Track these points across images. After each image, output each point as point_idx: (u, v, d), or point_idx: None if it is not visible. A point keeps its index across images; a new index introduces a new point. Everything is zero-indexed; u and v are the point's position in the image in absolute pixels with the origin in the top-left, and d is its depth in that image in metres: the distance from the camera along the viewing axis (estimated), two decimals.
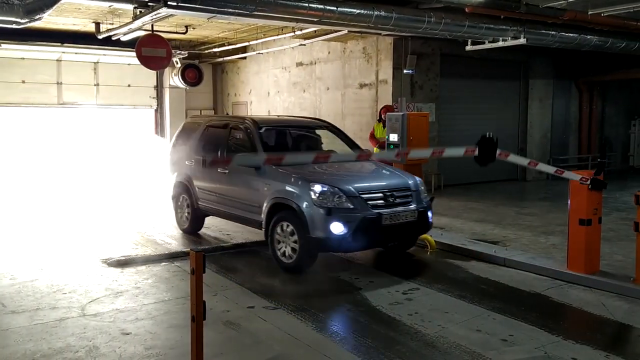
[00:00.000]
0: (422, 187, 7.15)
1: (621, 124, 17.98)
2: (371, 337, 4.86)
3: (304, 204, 6.40)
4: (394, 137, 9.87)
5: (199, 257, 3.33)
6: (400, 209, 6.63)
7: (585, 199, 6.16)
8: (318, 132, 8.68)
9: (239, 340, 4.67)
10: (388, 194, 6.67)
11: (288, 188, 6.72)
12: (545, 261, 6.85)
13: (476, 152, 5.22)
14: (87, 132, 16.32)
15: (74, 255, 7.51)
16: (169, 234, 8.96)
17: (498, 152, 5.31)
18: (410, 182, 7.06)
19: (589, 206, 6.18)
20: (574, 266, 6.33)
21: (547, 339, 4.70)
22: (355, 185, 6.62)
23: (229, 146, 8.07)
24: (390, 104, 11.64)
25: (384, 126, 10.84)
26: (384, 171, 7.54)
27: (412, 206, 6.77)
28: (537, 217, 9.88)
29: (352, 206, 6.37)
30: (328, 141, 8.70)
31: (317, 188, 6.44)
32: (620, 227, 8.90)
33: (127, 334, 4.77)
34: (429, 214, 7.05)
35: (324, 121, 9.25)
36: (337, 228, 6.24)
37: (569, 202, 6.33)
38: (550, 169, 6.13)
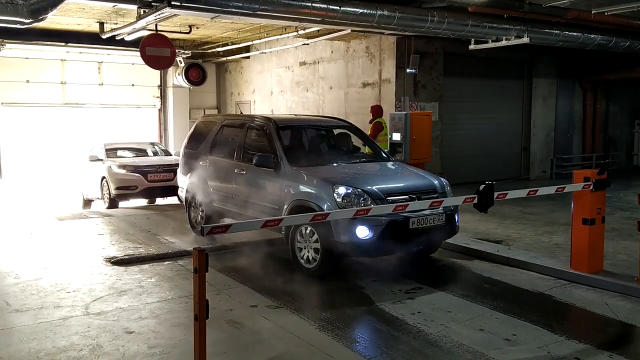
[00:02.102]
0: (449, 189, 6.82)
1: (625, 123, 17.94)
2: (374, 336, 4.87)
3: (327, 207, 6.13)
4: (397, 137, 9.87)
5: (202, 256, 3.34)
6: (427, 212, 6.27)
7: (589, 199, 6.16)
8: (339, 132, 8.38)
9: (242, 339, 4.68)
10: (414, 196, 6.34)
11: (310, 190, 6.47)
12: (548, 260, 6.84)
13: (475, 200, 5.20)
14: (91, 132, 16.32)
15: (78, 254, 7.54)
16: (172, 232, 8.97)
17: (496, 195, 5.28)
18: (436, 183, 6.78)
19: (592, 206, 6.17)
20: (577, 266, 6.32)
21: (550, 339, 4.69)
22: (381, 186, 6.37)
23: (247, 146, 7.79)
24: (378, 104, 11.66)
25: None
26: (408, 171, 7.32)
27: (440, 209, 6.39)
28: (541, 217, 9.87)
29: None
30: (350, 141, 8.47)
31: (341, 190, 6.17)
32: (624, 226, 8.88)
33: (131, 332, 4.78)
34: (456, 217, 6.78)
35: (344, 121, 8.95)
36: (363, 232, 6.00)
37: (572, 201, 6.32)
38: (551, 190, 6.09)
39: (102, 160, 12.29)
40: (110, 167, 11.85)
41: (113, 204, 11.80)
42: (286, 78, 15.82)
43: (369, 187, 6.29)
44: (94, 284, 6.16)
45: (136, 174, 11.67)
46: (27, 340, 4.59)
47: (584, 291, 5.96)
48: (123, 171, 11.72)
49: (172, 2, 8.11)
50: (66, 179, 14.71)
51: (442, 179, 6.97)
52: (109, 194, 11.80)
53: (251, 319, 5.14)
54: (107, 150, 12.64)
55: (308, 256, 6.45)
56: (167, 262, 7.11)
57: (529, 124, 15.48)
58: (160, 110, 18.07)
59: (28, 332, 4.77)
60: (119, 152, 12.83)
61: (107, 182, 11.85)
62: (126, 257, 7.29)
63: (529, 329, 4.92)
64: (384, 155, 8.03)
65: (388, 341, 4.69)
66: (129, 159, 12.55)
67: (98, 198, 12.46)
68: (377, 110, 11.13)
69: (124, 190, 11.67)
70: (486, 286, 6.23)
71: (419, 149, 9.85)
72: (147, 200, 12.56)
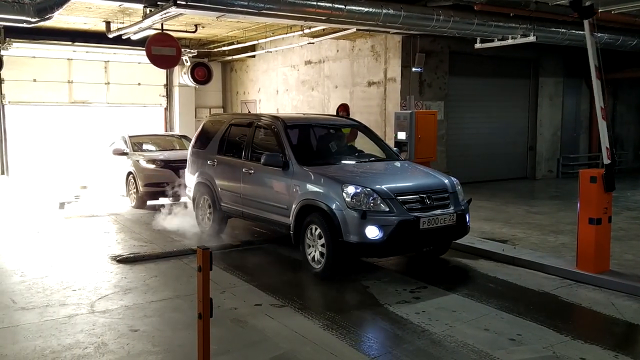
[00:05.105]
0: (459, 188, 6.76)
1: (632, 122, 17.83)
2: (378, 335, 4.86)
3: (336, 206, 6.07)
4: (402, 136, 9.84)
5: (206, 254, 3.34)
6: (438, 212, 6.26)
7: (595, 198, 6.12)
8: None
9: (246, 338, 4.69)
10: (424, 195, 6.29)
11: (318, 189, 6.39)
12: (554, 260, 6.81)
13: None
14: (97, 131, 16.34)
15: (83, 252, 7.57)
16: (177, 231, 8.98)
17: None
18: (446, 182, 6.70)
19: (598, 205, 6.14)
20: (583, 265, 6.28)
21: (555, 339, 4.67)
22: (391, 186, 6.28)
23: (255, 146, 7.73)
24: (346, 103, 11.53)
25: None
26: (418, 171, 7.26)
27: (451, 209, 6.40)
28: (547, 216, 9.82)
29: (387, 209, 6.02)
30: (358, 141, 8.44)
31: (350, 189, 6.09)
32: (631, 226, 8.84)
33: (136, 330, 4.80)
34: (467, 217, 6.68)
35: (354, 120, 8.82)
36: (372, 232, 5.91)
37: (578, 201, 6.28)
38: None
39: (127, 153, 11.44)
40: (138, 161, 10.96)
41: (141, 202, 10.93)
42: (292, 77, 15.82)
43: (378, 186, 6.20)
44: (100, 282, 6.19)
45: (167, 170, 10.67)
46: (32, 338, 4.61)
47: (590, 291, 5.93)
48: (152, 166, 10.80)
49: (178, 2, 8.12)
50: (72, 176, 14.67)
51: (452, 178, 6.88)
52: (137, 191, 10.95)
53: (255, 317, 5.14)
54: (132, 142, 11.72)
55: (314, 256, 6.41)
56: (173, 261, 7.13)
57: (535, 123, 15.41)
58: (166, 109, 18.11)
59: (34, 329, 4.80)
60: (145, 145, 11.94)
61: (134, 178, 10.99)
62: (131, 255, 7.31)
63: (535, 328, 4.90)
64: (394, 154, 7.95)
65: (392, 340, 4.69)
66: (158, 152, 11.63)
67: (123, 195, 11.63)
68: (347, 111, 10.85)
69: (154, 187, 10.67)
70: (491, 286, 6.21)
71: (424, 148, 9.82)
72: (171, 199, 11.29)
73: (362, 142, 8.48)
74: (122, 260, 7.10)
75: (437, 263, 7.16)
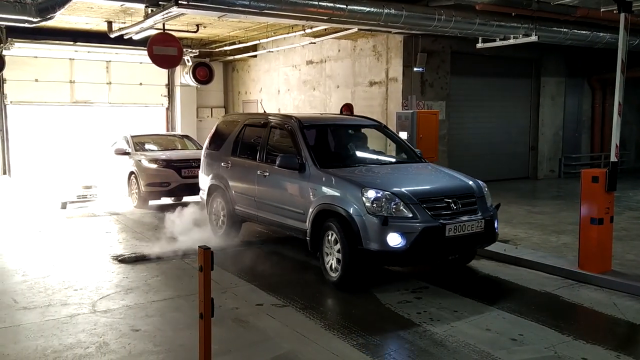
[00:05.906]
0: (487, 191, 6.38)
1: (634, 122, 17.80)
2: (380, 336, 4.85)
3: (356, 212, 5.74)
4: (403, 135, 9.84)
5: (207, 254, 3.34)
6: (465, 218, 5.88)
7: (597, 198, 6.11)
8: (366, 131, 8.02)
9: (248, 338, 4.69)
10: (450, 200, 5.92)
11: (336, 193, 6.08)
12: (556, 260, 6.79)
13: None
14: (99, 131, 16.33)
15: (85, 252, 7.58)
16: (178, 230, 8.97)
17: None
18: (473, 185, 6.35)
19: (600, 205, 6.13)
20: (585, 265, 6.28)
21: (557, 339, 4.66)
22: (414, 189, 5.91)
23: (270, 147, 7.45)
24: (350, 103, 11.47)
25: None
26: (442, 173, 6.89)
27: (479, 215, 6.02)
28: (549, 216, 9.81)
29: (410, 215, 5.68)
30: (376, 141, 8.22)
31: (371, 194, 5.74)
32: (633, 226, 8.82)
33: (137, 330, 4.80)
34: (496, 223, 6.27)
35: (374, 120, 8.43)
36: (394, 240, 5.56)
37: (580, 200, 6.27)
38: None
39: (129, 153, 11.46)
40: (140, 161, 10.99)
41: (143, 202, 10.97)
42: (293, 77, 15.83)
43: (400, 190, 5.86)
44: (101, 282, 6.19)
45: (169, 169, 10.71)
46: (34, 338, 4.62)
47: (592, 291, 5.92)
48: (154, 166, 10.80)
49: (180, 1, 8.13)
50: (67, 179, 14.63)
51: (479, 181, 6.51)
52: (138, 191, 10.96)
53: (257, 317, 5.15)
54: (134, 142, 11.73)
55: (332, 264, 6.14)
56: (174, 260, 7.13)
57: (537, 122, 15.39)
58: (167, 109, 18.12)
59: (35, 329, 4.81)
60: (147, 145, 11.99)
61: (136, 177, 11.03)
62: (133, 255, 7.31)
63: (536, 329, 4.89)
64: (416, 156, 7.60)
65: (394, 340, 4.69)
66: (160, 152, 11.67)
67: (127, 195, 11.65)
68: (352, 110, 10.72)
69: (156, 187, 10.71)
70: (493, 286, 6.20)
71: (425, 148, 9.78)
72: (172, 199, 11.47)
73: (380, 143, 8.36)
74: (123, 260, 7.11)
75: (439, 263, 7.14)
